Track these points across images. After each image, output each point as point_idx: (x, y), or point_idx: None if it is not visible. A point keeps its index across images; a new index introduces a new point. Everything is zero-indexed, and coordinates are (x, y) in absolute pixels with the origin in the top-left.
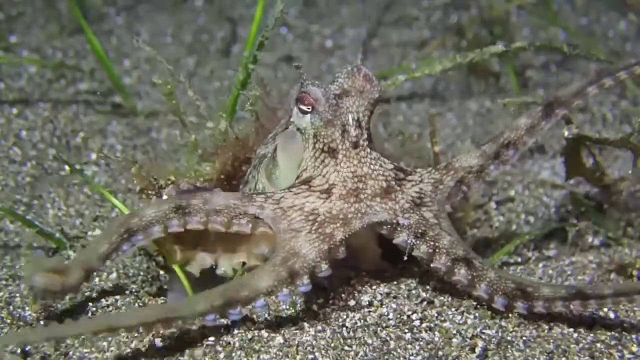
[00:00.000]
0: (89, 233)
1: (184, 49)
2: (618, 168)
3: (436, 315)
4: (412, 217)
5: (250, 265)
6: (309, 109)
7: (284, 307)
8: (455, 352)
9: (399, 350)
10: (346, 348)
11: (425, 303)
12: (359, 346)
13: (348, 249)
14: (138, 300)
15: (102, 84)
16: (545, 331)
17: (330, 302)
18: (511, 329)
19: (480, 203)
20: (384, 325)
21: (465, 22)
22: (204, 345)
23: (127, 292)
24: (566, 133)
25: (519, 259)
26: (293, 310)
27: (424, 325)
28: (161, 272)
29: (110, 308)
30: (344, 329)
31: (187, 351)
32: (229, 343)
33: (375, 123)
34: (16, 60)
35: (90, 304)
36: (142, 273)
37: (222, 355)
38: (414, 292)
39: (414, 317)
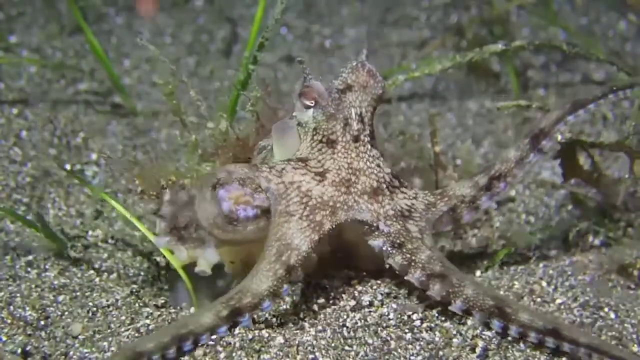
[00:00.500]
0: (89, 233)
1: (184, 49)
2: (618, 169)
3: (437, 315)
4: (393, 225)
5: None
6: (311, 103)
7: (284, 306)
8: (455, 352)
9: (399, 350)
10: (347, 348)
11: (425, 303)
12: (360, 346)
13: (346, 247)
14: (138, 300)
15: (102, 84)
16: None
17: (331, 302)
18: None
19: None
20: (385, 325)
21: (465, 22)
22: (204, 345)
23: (127, 292)
24: (559, 137)
25: (519, 259)
26: (290, 307)
27: (424, 325)
28: (162, 272)
29: (111, 308)
30: (345, 329)
31: None
32: (230, 343)
33: (376, 123)
34: (16, 60)
35: (91, 304)
36: (142, 273)
37: (222, 355)
38: (414, 292)
39: (414, 317)
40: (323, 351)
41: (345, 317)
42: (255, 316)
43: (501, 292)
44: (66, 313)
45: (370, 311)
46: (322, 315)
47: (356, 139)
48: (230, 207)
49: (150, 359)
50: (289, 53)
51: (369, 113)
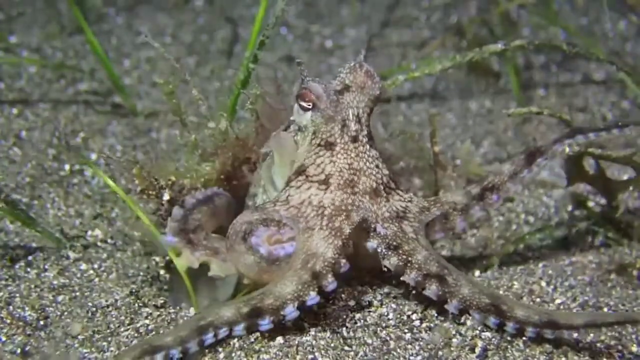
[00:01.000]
0: (89, 233)
1: (184, 49)
2: (618, 169)
3: (436, 315)
4: (389, 227)
5: None
6: (309, 105)
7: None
8: (455, 352)
9: (398, 350)
10: (346, 348)
11: (425, 303)
12: (359, 346)
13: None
14: (137, 301)
15: (102, 84)
16: None
17: (330, 302)
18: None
19: None
20: (384, 325)
21: (465, 22)
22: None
23: (126, 292)
24: (567, 150)
25: (519, 259)
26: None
27: (424, 325)
28: (161, 272)
29: (110, 308)
30: (344, 329)
31: None
32: (229, 343)
33: (375, 123)
34: (16, 60)
35: (90, 304)
36: (142, 273)
37: (222, 356)
38: (414, 292)
39: (414, 317)
40: (322, 351)
41: (344, 317)
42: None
43: (501, 292)
44: (65, 313)
45: (369, 311)
46: (321, 315)
47: (354, 140)
48: (268, 250)
49: (168, 354)
50: (289, 53)
51: (366, 114)
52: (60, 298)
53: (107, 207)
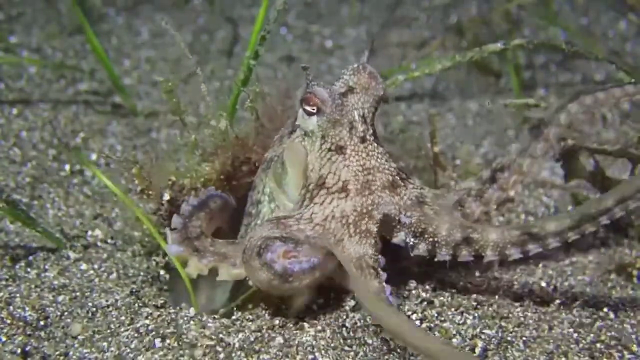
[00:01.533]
0: (89, 233)
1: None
2: (617, 169)
3: (436, 315)
4: (413, 215)
5: None
6: (313, 109)
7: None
8: None
9: (399, 350)
10: (346, 348)
11: (425, 303)
12: (359, 346)
13: None
14: (138, 301)
15: (102, 84)
16: (546, 331)
17: (331, 302)
18: (511, 329)
19: None
20: None
21: (465, 22)
22: (204, 346)
23: (126, 292)
24: (562, 144)
25: (519, 259)
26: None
27: (424, 325)
28: (161, 272)
29: (110, 308)
30: (344, 329)
31: (187, 351)
32: (229, 343)
33: (376, 123)
34: (16, 60)
35: (90, 304)
36: (142, 273)
37: (222, 356)
38: (413, 292)
39: (414, 317)
40: (322, 351)
41: (344, 317)
42: None
43: (501, 293)
44: (66, 313)
45: None
46: (321, 316)
47: (363, 140)
48: (283, 265)
49: None
50: (289, 53)
51: (371, 114)
52: (60, 298)
53: (107, 207)
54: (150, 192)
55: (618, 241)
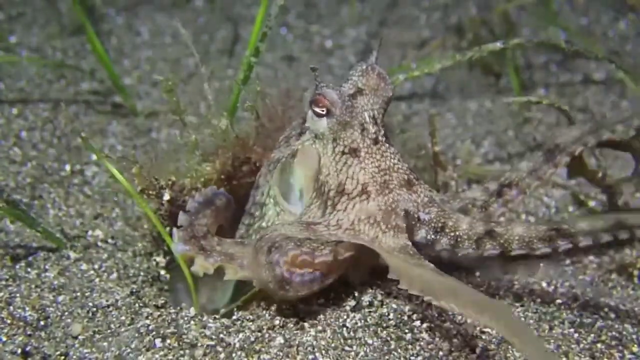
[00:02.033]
0: (89, 233)
1: (183, 49)
2: (618, 168)
3: (436, 315)
4: (431, 211)
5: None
6: (323, 111)
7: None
8: (455, 353)
9: (399, 350)
10: (347, 348)
11: (425, 303)
12: (360, 346)
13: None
14: (138, 301)
15: (102, 84)
16: (546, 331)
17: (331, 302)
18: None
19: None
20: (385, 325)
21: (465, 22)
22: (204, 346)
23: (127, 292)
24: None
25: (519, 259)
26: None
27: (424, 325)
28: (161, 272)
29: (110, 308)
30: (345, 329)
31: (187, 351)
32: (230, 343)
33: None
34: (16, 60)
35: (91, 304)
36: (142, 273)
37: (222, 356)
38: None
39: (414, 317)
40: (323, 351)
41: (345, 317)
42: None
43: (501, 293)
44: (66, 313)
45: (370, 311)
46: (322, 316)
47: (376, 141)
48: (282, 272)
49: None
50: (289, 53)
51: (381, 115)
52: (60, 298)
53: (107, 207)
54: (150, 192)
55: (618, 241)
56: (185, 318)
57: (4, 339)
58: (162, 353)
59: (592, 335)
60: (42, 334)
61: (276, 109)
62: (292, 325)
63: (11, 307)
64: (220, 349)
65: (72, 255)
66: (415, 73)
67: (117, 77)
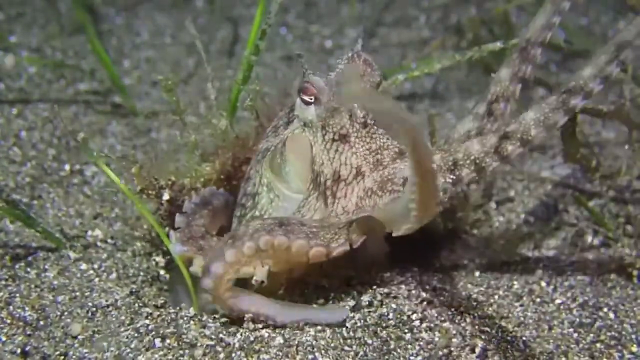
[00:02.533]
0: (89, 233)
1: (183, 49)
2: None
3: (436, 315)
4: (434, 158)
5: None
6: (311, 99)
7: None
8: (455, 353)
9: (399, 350)
10: (346, 348)
11: (425, 303)
12: (359, 346)
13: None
14: (138, 301)
15: (102, 84)
16: (545, 331)
17: (330, 302)
18: (511, 329)
19: (480, 203)
20: (384, 325)
21: (465, 22)
22: (204, 346)
23: (126, 292)
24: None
25: (519, 259)
26: None
27: (424, 325)
28: (161, 272)
29: (110, 308)
30: (344, 329)
31: (187, 351)
32: (229, 343)
33: None
34: (16, 60)
35: (90, 304)
36: (142, 273)
37: (222, 356)
38: (413, 292)
39: (414, 317)
40: (322, 351)
41: (344, 317)
42: None
43: (501, 293)
44: (65, 313)
45: (369, 311)
46: None
47: (365, 125)
48: (217, 270)
49: None
50: (288, 53)
51: None
52: (60, 298)
53: (107, 207)
54: (150, 192)
55: (618, 241)
56: (185, 318)
57: (4, 338)
58: (161, 353)
59: (592, 335)
60: (42, 333)
61: (275, 108)
62: (291, 325)
63: (11, 307)
64: (219, 349)
65: (72, 255)
66: (415, 73)
67: (117, 77)
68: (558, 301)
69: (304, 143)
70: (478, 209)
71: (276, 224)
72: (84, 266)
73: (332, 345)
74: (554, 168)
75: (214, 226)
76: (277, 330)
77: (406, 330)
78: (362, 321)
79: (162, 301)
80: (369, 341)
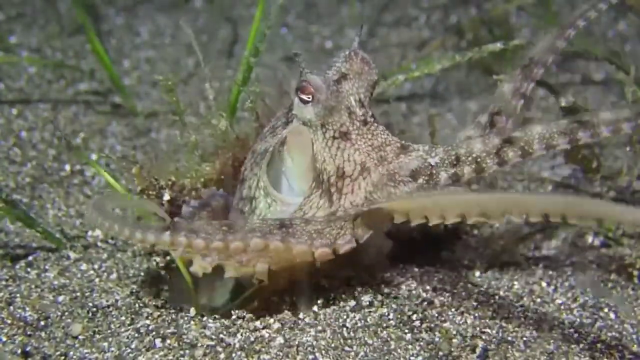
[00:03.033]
0: (89, 233)
1: (183, 50)
2: (618, 169)
3: (436, 315)
4: (437, 152)
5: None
6: (309, 98)
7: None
8: (455, 353)
9: (399, 350)
10: (346, 348)
11: (425, 303)
12: (360, 346)
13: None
14: (138, 301)
15: (102, 84)
16: (546, 331)
17: (331, 302)
18: (511, 329)
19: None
20: (385, 325)
21: (465, 23)
22: (204, 346)
23: (127, 292)
24: (563, 102)
25: (519, 259)
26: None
27: (424, 325)
28: (162, 273)
29: (110, 308)
30: (345, 329)
31: (187, 351)
32: (230, 344)
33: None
34: (16, 60)
35: (91, 304)
36: (142, 273)
37: (222, 356)
38: (414, 292)
39: (414, 317)
40: (323, 351)
41: (345, 317)
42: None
43: (501, 293)
44: (66, 313)
45: (370, 311)
46: (321, 316)
47: (365, 122)
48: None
49: None
50: (288, 54)
51: (367, 98)
52: (60, 298)
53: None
54: (150, 192)
55: (618, 241)
56: (185, 318)
57: (4, 339)
58: (162, 353)
59: (592, 335)
60: (42, 334)
61: (275, 109)
62: (292, 326)
63: (11, 307)
64: (220, 349)
65: (72, 255)
66: (415, 73)
67: (116, 77)
68: (558, 301)
69: (305, 136)
70: None
71: (276, 226)
72: (84, 266)
73: (333, 345)
74: (554, 168)
75: None
76: (277, 331)
77: (407, 331)
78: (362, 321)
79: (163, 301)
80: (370, 341)
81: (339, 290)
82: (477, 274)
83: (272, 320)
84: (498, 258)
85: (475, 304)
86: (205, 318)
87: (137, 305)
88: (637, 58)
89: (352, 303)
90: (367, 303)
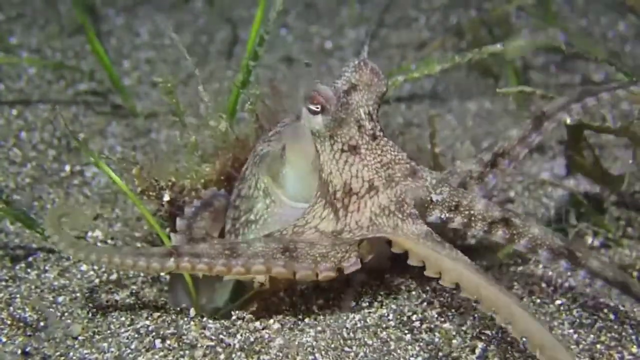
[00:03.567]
0: (89, 234)
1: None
2: (617, 169)
3: (436, 315)
4: (443, 191)
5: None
6: (317, 108)
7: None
8: (455, 353)
9: (399, 351)
10: (346, 349)
11: (425, 303)
12: (359, 347)
13: None
14: (138, 301)
15: (101, 85)
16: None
17: (331, 303)
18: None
19: None
20: (384, 326)
21: (464, 24)
22: (204, 347)
23: (126, 293)
24: (568, 120)
25: (519, 260)
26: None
27: (424, 326)
28: (161, 273)
29: (110, 309)
30: (344, 329)
31: (187, 352)
32: (229, 344)
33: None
34: (16, 61)
35: (90, 304)
36: (142, 274)
37: (222, 357)
38: (414, 292)
39: (414, 318)
40: (322, 352)
41: (344, 318)
42: None
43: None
44: (66, 314)
45: (369, 312)
46: (321, 316)
47: (374, 137)
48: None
49: None
50: (288, 54)
51: (375, 111)
52: (60, 299)
53: (107, 207)
54: (150, 193)
55: (618, 241)
56: (185, 319)
57: (4, 339)
58: (161, 354)
59: (592, 336)
60: (42, 334)
61: (275, 109)
62: (291, 326)
63: (11, 308)
64: (220, 350)
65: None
66: (414, 74)
67: (116, 77)
68: (558, 302)
69: (308, 140)
70: None
71: (279, 250)
72: (84, 267)
73: (332, 346)
74: (554, 169)
75: (215, 228)
76: (277, 331)
77: (406, 331)
78: (362, 322)
79: (163, 302)
80: (369, 342)
81: (338, 290)
82: None
83: (271, 321)
84: (498, 259)
85: (475, 304)
86: (205, 319)
87: (137, 305)
88: (637, 59)
89: (352, 304)
90: (367, 304)
